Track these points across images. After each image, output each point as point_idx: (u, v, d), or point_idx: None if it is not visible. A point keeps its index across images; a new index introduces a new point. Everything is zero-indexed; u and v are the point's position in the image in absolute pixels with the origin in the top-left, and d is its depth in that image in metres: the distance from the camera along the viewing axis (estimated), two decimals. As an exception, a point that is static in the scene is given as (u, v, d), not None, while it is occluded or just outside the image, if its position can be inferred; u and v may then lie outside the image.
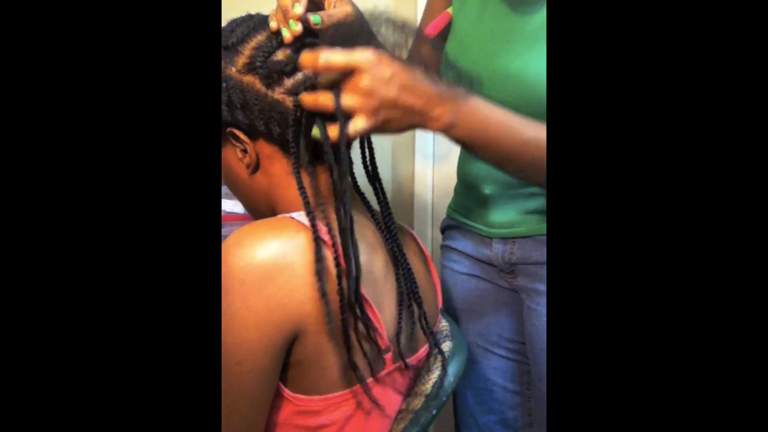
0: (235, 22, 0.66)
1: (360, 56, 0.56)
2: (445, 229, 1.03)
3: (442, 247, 1.02)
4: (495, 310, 0.94)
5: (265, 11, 0.68)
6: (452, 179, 1.37)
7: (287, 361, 0.59)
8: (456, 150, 1.33)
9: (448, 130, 0.61)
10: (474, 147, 0.64)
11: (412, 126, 0.60)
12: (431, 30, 0.90)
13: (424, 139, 1.36)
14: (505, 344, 0.94)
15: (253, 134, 0.64)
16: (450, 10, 0.89)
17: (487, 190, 0.87)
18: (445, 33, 0.90)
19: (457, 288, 0.98)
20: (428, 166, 1.37)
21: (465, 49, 0.84)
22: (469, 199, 0.92)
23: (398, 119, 0.58)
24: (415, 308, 0.70)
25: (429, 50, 0.92)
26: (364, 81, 0.56)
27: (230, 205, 1.24)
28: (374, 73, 0.56)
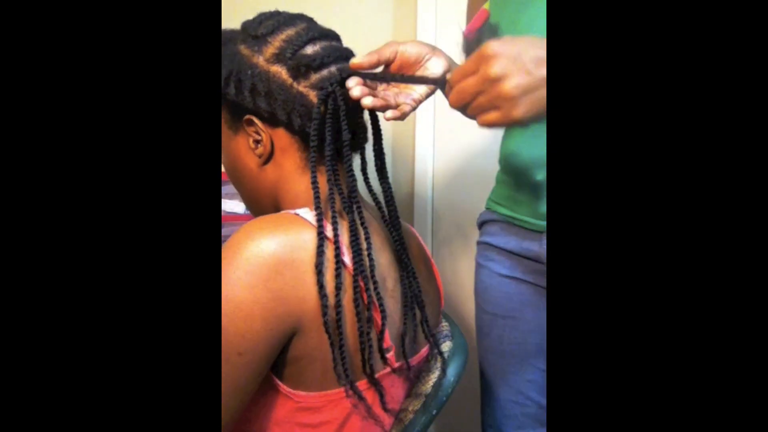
0: (264, 16, 0.67)
1: (483, 49, 0.52)
2: (483, 224, 0.94)
3: (479, 243, 0.94)
4: (537, 317, 0.85)
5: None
6: (452, 179, 1.38)
7: (285, 357, 0.59)
8: (456, 151, 1.34)
9: None
10: None
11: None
12: (470, 29, 0.87)
13: (425, 139, 1.36)
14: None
15: (272, 123, 0.65)
16: (486, 5, 0.86)
17: (539, 176, 0.78)
18: (487, 29, 0.86)
19: (495, 291, 0.89)
20: (428, 166, 1.38)
21: None
22: (515, 188, 0.84)
23: (542, 88, 0.52)
24: (417, 310, 0.70)
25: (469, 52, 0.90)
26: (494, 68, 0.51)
27: (230, 205, 1.24)
28: (490, 58, 0.52)
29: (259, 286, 0.54)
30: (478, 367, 0.95)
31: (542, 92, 0.52)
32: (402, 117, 0.64)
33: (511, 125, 0.54)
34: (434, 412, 0.73)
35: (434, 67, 0.67)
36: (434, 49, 0.68)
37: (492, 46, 0.52)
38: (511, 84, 0.51)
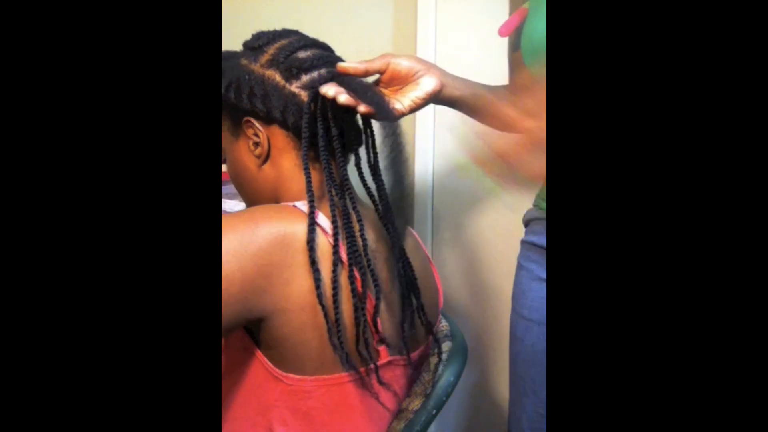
0: (261, 32, 0.73)
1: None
2: (528, 223, 0.91)
3: (523, 242, 0.91)
4: None
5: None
6: (452, 179, 1.38)
7: (268, 338, 0.61)
8: (456, 151, 1.34)
9: None
10: None
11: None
12: (504, 30, 0.86)
13: (424, 139, 1.36)
14: None
15: (268, 121, 0.69)
16: (527, 4, 0.85)
17: None
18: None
19: (534, 295, 0.85)
20: (428, 166, 1.38)
21: (537, 42, 0.81)
22: None
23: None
24: (414, 302, 0.71)
25: (513, 52, 0.87)
26: None
27: (230, 205, 1.25)
28: None
29: (246, 256, 0.57)
30: (508, 374, 0.92)
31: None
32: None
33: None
34: (434, 411, 0.73)
35: (426, 84, 0.71)
36: (429, 67, 0.72)
37: None
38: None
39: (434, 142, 1.36)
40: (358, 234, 0.64)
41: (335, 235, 0.62)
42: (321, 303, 0.59)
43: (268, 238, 0.59)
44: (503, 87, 0.83)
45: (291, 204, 0.65)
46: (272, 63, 0.68)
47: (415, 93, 0.70)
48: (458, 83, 0.76)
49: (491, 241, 1.34)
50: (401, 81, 0.71)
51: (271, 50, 0.69)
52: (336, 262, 0.61)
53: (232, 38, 0.78)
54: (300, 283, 0.60)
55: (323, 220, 0.63)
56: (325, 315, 0.60)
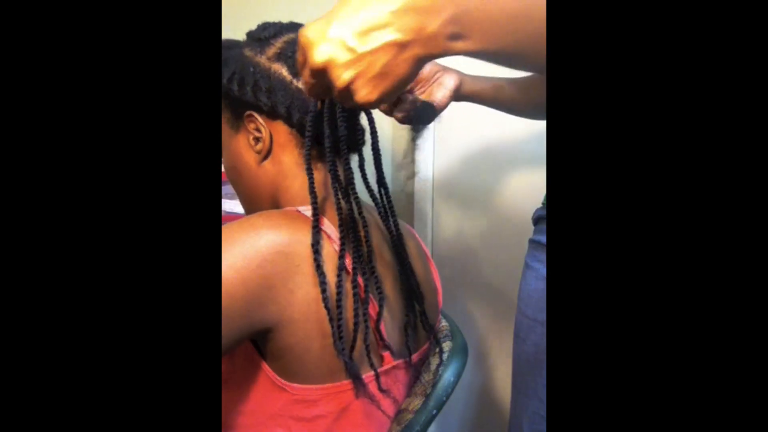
0: (267, 23, 0.71)
1: (299, 37, 0.46)
2: (537, 221, 0.90)
3: (530, 242, 0.90)
4: None
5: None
6: (452, 179, 1.38)
7: (275, 348, 0.60)
8: (456, 151, 1.34)
9: (457, 44, 0.45)
10: (499, 52, 0.47)
11: (411, 65, 0.45)
12: None
13: (424, 139, 1.36)
14: None
15: (272, 116, 0.67)
16: None
17: None
18: None
19: (539, 295, 0.84)
20: (428, 166, 1.38)
21: None
22: None
23: (375, 64, 0.44)
24: (416, 305, 0.71)
25: None
26: (305, 57, 0.46)
27: (230, 205, 1.25)
28: (308, 45, 0.45)
29: (249, 269, 0.55)
30: (509, 374, 0.92)
31: (378, 66, 0.44)
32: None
33: (371, 108, 0.48)
34: (434, 411, 0.73)
35: (448, 82, 0.77)
36: (445, 68, 0.79)
37: (305, 32, 0.45)
38: (338, 74, 0.44)
39: (434, 142, 1.36)
40: (363, 241, 0.63)
41: (342, 241, 0.61)
42: (327, 308, 0.58)
43: (271, 248, 0.57)
44: (523, 79, 0.88)
45: (294, 209, 0.63)
46: (280, 57, 0.66)
47: (440, 92, 0.76)
48: (476, 79, 0.83)
49: (491, 241, 1.34)
50: (425, 84, 0.77)
51: (279, 43, 0.67)
52: (341, 268, 0.60)
53: (231, 31, 0.77)
54: (305, 292, 0.58)
55: (327, 225, 0.62)
56: (331, 321, 0.59)
